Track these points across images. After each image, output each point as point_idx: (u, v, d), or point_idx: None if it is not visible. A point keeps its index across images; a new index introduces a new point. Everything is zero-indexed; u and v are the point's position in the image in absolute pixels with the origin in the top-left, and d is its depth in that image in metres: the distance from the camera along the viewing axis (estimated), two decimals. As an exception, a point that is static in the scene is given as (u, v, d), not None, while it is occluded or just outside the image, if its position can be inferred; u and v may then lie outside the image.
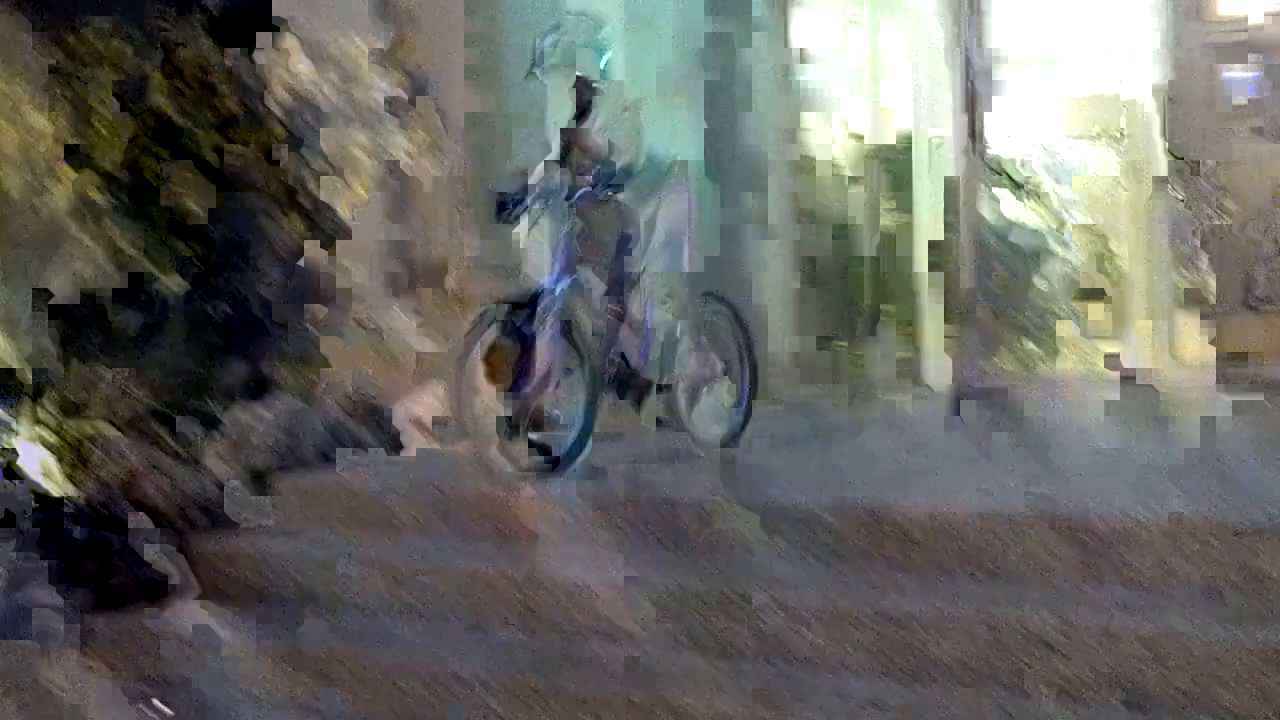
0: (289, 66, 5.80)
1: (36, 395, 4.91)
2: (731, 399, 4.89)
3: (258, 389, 5.19)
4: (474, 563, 3.97)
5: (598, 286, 4.49)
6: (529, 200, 4.44)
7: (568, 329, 4.20)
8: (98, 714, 4.01)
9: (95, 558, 4.40)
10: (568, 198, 4.35)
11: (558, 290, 4.22)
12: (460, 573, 3.91)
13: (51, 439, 4.89)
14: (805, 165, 7.18)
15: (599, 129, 4.49)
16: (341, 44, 6.08)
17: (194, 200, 5.60)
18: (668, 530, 3.86)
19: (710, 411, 4.79)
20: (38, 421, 4.89)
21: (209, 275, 5.41)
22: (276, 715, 3.71)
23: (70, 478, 4.84)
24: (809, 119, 7.11)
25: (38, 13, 5.66)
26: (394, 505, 4.33)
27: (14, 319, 5.07)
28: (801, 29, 7.09)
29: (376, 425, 5.35)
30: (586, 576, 3.67)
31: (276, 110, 5.62)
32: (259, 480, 4.86)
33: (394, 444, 5.34)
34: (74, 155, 5.48)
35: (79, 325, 5.25)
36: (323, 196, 5.65)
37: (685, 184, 4.62)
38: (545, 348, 4.10)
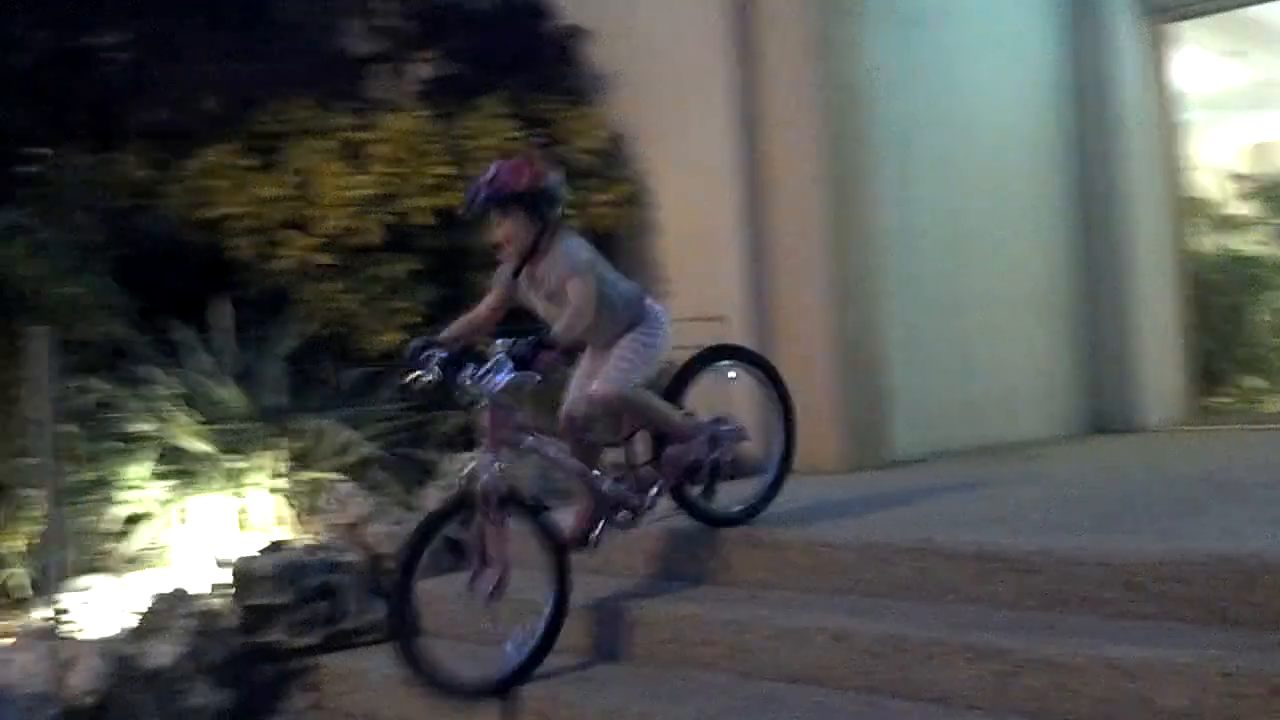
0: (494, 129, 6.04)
1: (268, 446, 5.20)
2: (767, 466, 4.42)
3: (469, 437, 5.37)
4: (683, 606, 4.01)
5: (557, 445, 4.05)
6: (432, 366, 3.82)
7: (508, 515, 3.76)
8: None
9: (325, 600, 4.61)
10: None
11: (485, 478, 3.71)
12: (671, 616, 3.95)
13: (283, 487, 5.17)
14: (1185, 203, 6.83)
15: (535, 286, 3.95)
16: (542, 105, 6.29)
17: (408, 261, 5.87)
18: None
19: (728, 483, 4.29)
20: (270, 471, 5.18)
21: (423, 331, 5.63)
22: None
23: (300, 523, 5.11)
24: (1187, 155, 6.71)
25: (258, 90, 6.07)
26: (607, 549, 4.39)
27: (247, 374, 5.39)
28: (1178, 63, 6.63)
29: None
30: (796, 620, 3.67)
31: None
32: (473, 524, 5.01)
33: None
34: (297, 220, 5.82)
35: (306, 380, 5.55)
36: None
37: (656, 321, 4.08)
38: (492, 545, 3.72)
